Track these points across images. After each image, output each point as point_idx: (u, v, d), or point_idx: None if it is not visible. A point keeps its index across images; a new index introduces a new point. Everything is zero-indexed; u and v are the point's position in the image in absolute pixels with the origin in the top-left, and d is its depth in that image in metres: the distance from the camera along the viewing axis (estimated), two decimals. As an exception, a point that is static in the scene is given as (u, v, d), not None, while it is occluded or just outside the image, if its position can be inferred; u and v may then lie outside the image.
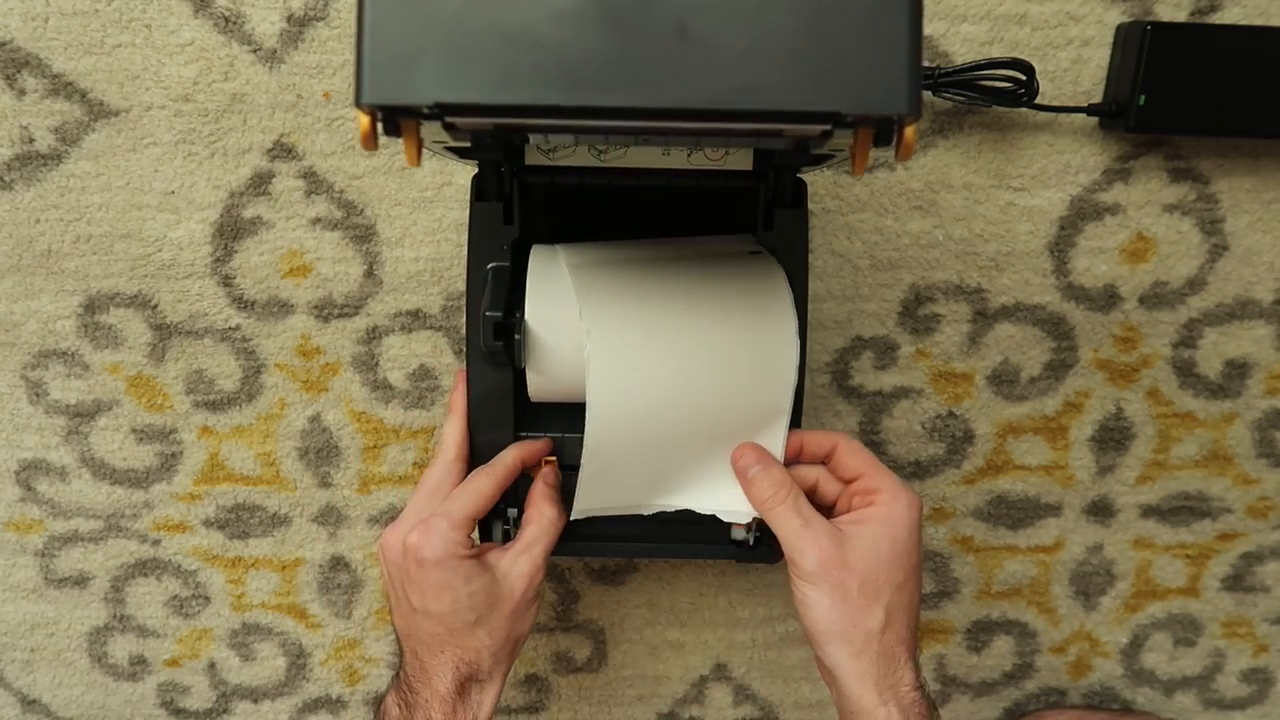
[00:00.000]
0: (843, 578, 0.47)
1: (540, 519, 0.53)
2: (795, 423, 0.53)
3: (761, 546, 0.56)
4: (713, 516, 0.54)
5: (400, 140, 0.33)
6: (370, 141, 0.31)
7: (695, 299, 0.50)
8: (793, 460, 0.53)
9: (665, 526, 0.56)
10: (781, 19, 0.28)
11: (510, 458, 0.53)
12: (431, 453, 0.56)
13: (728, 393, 0.50)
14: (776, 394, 0.50)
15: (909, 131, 0.30)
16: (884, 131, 0.31)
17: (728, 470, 0.53)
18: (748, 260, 0.52)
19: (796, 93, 0.28)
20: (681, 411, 0.50)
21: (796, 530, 0.48)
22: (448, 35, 0.28)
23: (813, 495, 0.52)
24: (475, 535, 0.53)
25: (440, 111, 0.30)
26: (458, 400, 0.55)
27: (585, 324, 0.48)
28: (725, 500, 0.53)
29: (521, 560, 0.52)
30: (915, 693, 0.48)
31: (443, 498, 0.53)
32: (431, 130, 0.34)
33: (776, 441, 0.52)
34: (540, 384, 0.51)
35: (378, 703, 0.58)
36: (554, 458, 0.56)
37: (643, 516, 0.55)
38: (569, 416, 0.53)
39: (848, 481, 0.52)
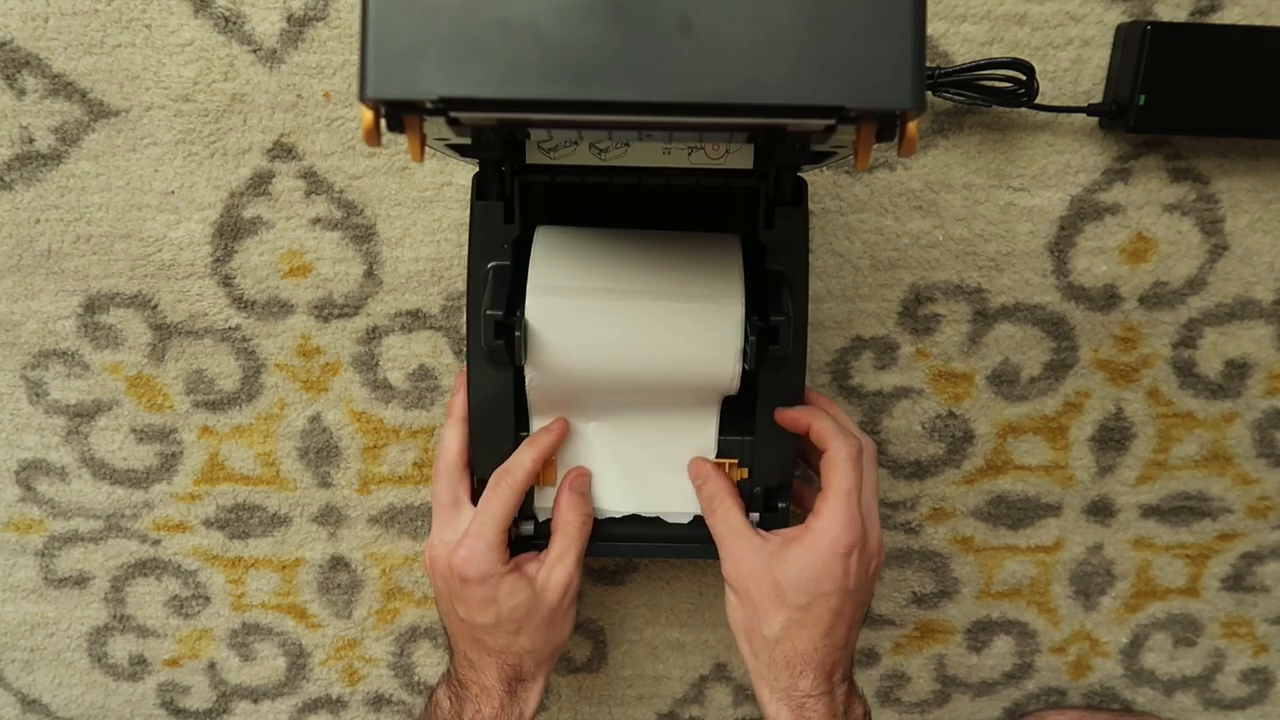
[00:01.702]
0: (750, 585, 0.51)
1: (568, 528, 0.55)
2: None
3: None
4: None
5: (401, 138, 0.33)
6: (373, 137, 0.31)
7: (648, 273, 0.51)
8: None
9: (666, 526, 0.56)
10: (785, 13, 0.28)
11: (529, 462, 0.54)
12: (434, 456, 0.57)
13: (673, 364, 0.50)
14: (723, 372, 0.51)
15: (911, 126, 0.30)
16: (887, 126, 0.31)
17: (668, 473, 0.56)
18: (707, 239, 0.52)
19: (800, 87, 0.28)
20: (625, 369, 0.51)
21: (720, 536, 0.53)
22: (451, 30, 0.28)
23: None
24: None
25: (444, 106, 0.30)
26: (456, 405, 0.56)
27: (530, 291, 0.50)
28: (665, 502, 0.56)
29: (556, 571, 0.54)
30: (814, 700, 0.50)
31: (463, 508, 0.55)
32: (433, 126, 0.34)
33: (710, 421, 0.54)
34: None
35: (429, 693, 0.60)
36: (583, 467, 0.56)
37: (643, 517, 0.56)
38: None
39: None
